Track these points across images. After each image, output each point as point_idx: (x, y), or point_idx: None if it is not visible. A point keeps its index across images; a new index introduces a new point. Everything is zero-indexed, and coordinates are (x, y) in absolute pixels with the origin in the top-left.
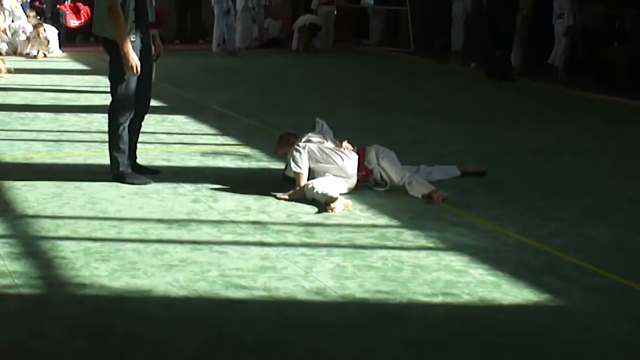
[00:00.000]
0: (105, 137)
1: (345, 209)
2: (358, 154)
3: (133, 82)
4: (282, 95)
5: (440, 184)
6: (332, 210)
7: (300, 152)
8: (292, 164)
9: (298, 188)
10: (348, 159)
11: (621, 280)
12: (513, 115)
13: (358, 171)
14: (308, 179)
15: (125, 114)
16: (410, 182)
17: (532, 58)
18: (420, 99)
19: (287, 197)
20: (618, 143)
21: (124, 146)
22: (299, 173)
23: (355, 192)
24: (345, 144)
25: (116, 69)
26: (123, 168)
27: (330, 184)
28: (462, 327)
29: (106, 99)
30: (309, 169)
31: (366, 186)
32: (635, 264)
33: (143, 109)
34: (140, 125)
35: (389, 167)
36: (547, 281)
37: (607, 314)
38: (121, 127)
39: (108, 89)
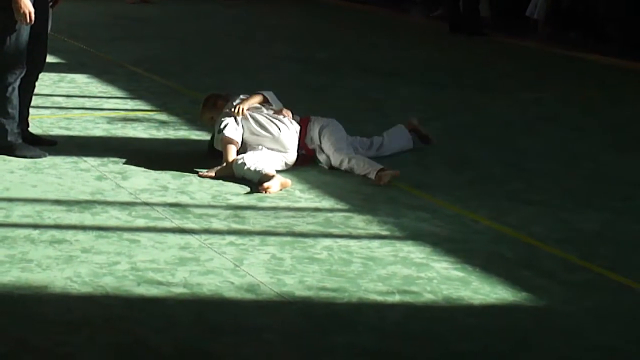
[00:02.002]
0: None
1: (283, 189)
2: (300, 125)
3: (25, 33)
4: (206, 51)
5: (395, 159)
6: (266, 191)
7: (230, 118)
8: (221, 132)
9: (226, 163)
10: (286, 129)
11: (611, 275)
12: (483, 77)
13: (298, 148)
14: (238, 153)
15: (15, 71)
16: (351, 167)
17: (506, 8)
18: (373, 57)
19: (212, 174)
20: (609, 112)
21: (13, 111)
22: (228, 143)
23: (295, 169)
24: (285, 111)
25: (4, 17)
26: (12, 138)
27: (265, 159)
28: (424, 333)
29: None
30: (241, 140)
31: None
32: (628, 256)
33: (37, 67)
34: (34, 86)
35: (327, 148)
36: (525, 277)
37: (595, 316)
38: (10, 88)
39: None
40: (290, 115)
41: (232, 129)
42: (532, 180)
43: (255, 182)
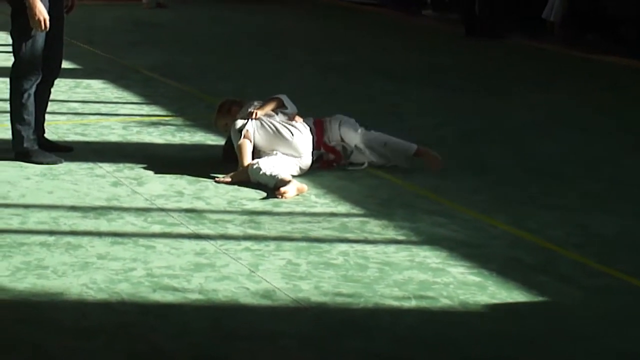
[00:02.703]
0: (6, 106)
1: (299, 194)
2: (315, 127)
3: (40, 40)
4: (222, 55)
5: (412, 163)
6: (282, 196)
7: (245, 123)
8: (235, 137)
9: (241, 168)
10: (299, 134)
11: (631, 280)
12: (499, 80)
13: (315, 149)
14: (253, 158)
15: (31, 78)
16: (385, 142)
17: (522, 11)
18: (388, 60)
19: (228, 179)
20: (628, 114)
21: (29, 117)
22: (243, 149)
23: (310, 174)
24: (296, 117)
25: (19, 24)
26: (28, 144)
27: (280, 164)
28: (440, 338)
29: (7, 60)
30: (254, 146)
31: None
32: None
33: (52, 72)
34: (49, 92)
35: (352, 132)
36: (542, 282)
37: (614, 321)
38: (26, 95)
39: (10, 48)
40: (301, 120)
41: (246, 132)
42: (549, 184)
43: (271, 187)
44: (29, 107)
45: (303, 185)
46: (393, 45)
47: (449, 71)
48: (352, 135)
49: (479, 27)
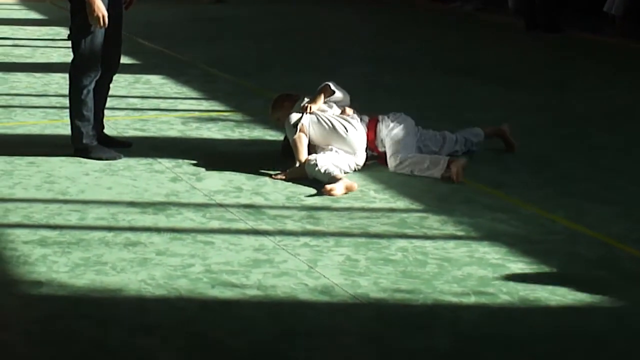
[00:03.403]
0: (66, 102)
1: (348, 192)
2: (368, 127)
3: (99, 36)
4: (281, 50)
5: (470, 158)
6: (329, 194)
7: (300, 117)
8: (290, 132)
9: (299, 164)
10: (354, 130)
11: None
12: (560, 75)
13: (368, 150)
14: (309, 153)
15: (90, 74)
16: (411, 170)
17: (583, 4)
18: (448, 55)
19: (284, 176)
20: None
21: (88, 113)
22: (298, 143)
23: (368, 170)
24: (347, 109)
25: (79, 20)
26: (87, 140)
27: (336, 161)
28: (499, 335)
29: (67, 56)
30: (309, 141)
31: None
32: None
33: (111, 68)
34: (109, 88)
35: (389, 146)
36: (603, 278)
37: None
38: (85, 91)
39: (68, 44)
40: (352, 112)
41: (301, 127)
42: (611, 179)
43: (325, 183)
44: (88, 103)
45: (353, 184)
46: (454, 40)
47: (508, 65)
48: (389, 151)
49: (539, 21)
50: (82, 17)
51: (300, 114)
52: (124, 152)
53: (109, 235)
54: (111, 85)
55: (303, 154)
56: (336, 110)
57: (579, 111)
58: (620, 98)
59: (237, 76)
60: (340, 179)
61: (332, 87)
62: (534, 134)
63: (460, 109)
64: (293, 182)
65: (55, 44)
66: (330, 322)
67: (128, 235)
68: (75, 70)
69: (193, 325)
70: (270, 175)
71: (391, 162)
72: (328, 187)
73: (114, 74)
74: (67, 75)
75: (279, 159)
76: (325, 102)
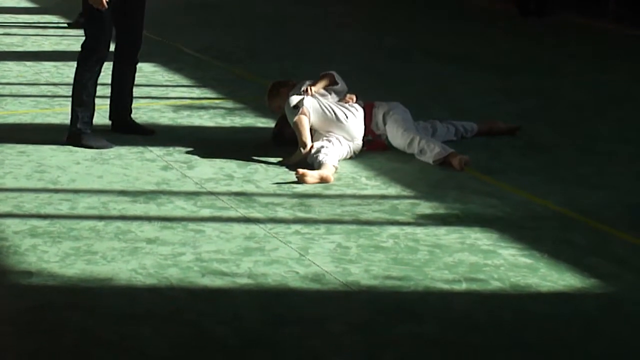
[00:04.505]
0: (57, 90)
1: (321, 182)
2: (364, 112)
3: (107, 21)
4: (273, 37)
5: (462, 144)
6: (301, 178)
7: (301, 99)
8: (291, 114)
9: (303, 149)
10: (353, 117)
11: None
12: (553, 60)
13: (364, 135)
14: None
15: (93, 58)
16: (422, 148)
17: None
18: (441, 42)
19: (289, 162)
20: None
21: (88, 99)
22: (300, 125)
23: (361, 156)
24: (348, 96)
25: (86, 5)
26: (80, 126)
27: (336, 151)
28: (491, 321)
29: (58, 44)
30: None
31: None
32: None
33: (130, 55)
34: (133, 77)
35: (394, 129)
36: (595, 264)
37: None
38: (87, 75)
39: (60, 32)
40: (354, 98)
41: (304, 109)
42: (603, 164)
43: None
44: (89, 88)
45: (329, 176)
46: (447, 27)
47: (501, 52)
48: (393, 134)
49: (532, 6)
50: (89, 3)
51: (301, 96)
52: (115, 141)
53: (100, 224)
54: (136, 74)
55: (307, 137)
56: (334, 96)
57: (573, 97)
58: (613, 84)
59: (228, 63)
60: (329, 171)
61: (336, 77)
62: (526, 119)
63: (453, 96)
64: (285, 170)
65: (46, 32)
66: (321, 310)
67: (119, 225)
68: (80, 54)
69: (183, 314)
70: (264, 162)
71: (405, 138)
72: (301, 171)
73: (134, 62)
74: (57, 64)
75: (270, 146)
76: (325, 89)
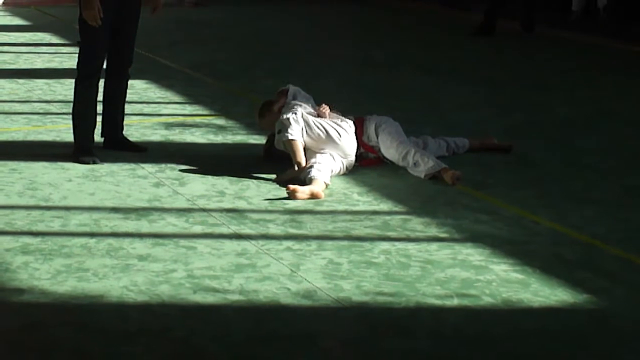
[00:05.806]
0: (49, 107)
1: (311, 199)
2: (355, 125)
3: (100, 37)
4: (263, 53)
5: (453, 159)
6: (292, 194)
7: (294, 116)
8: (284, 132)
9: (297, 167)
10: (346, 135)
11: None
12: (541, 75)
13: (357, 149)
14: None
15: (88, 73)
16: (416, 161)
17: (565, 3)
18: (430, 56)
19: (288, 177)
20: None
21: (86, 115)
22: (294, 146)
23: (353, 172)
24: (323, 106)
25: (81, 23)
26: (81, 142)
27: (329, 168)
28: (482, 336)
29: (51, 62)
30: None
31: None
32: None
33: (120, 72)
34: (124, 93)
35: (388, 142)
36: (586, 278)
37: None
38: (80, 89)
39: (52, 50)
40: (328, 110)
41: (296, 126)
42: (592, 179)
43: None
44: (85, 102)
45: (320, 192)
46: (435, 40)
47: (490, 65)
48: (387, 145)
49: (526, 21)
50: (83, 20)
51: (291, 114)
52: (107, 158)
53: (91, 241)
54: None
55: (301, 157)
56: (309, 108)
57: (560, 111)
58: (602, 99)
59: (220, 80)
60: (319, 187)
61: (290, 91)
62: (515, 134)
63: (443, 111)
64: (276, 186)
65: (39, 50)
66: (313, 326)
67: (110, 242)
68: (78, 73)
69: (175, 331)
70: (255, 179)
71: (400, 150)
72: (292, 187)
73: (124, 78)
74: (49, 81)
75: (262, 163)
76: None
